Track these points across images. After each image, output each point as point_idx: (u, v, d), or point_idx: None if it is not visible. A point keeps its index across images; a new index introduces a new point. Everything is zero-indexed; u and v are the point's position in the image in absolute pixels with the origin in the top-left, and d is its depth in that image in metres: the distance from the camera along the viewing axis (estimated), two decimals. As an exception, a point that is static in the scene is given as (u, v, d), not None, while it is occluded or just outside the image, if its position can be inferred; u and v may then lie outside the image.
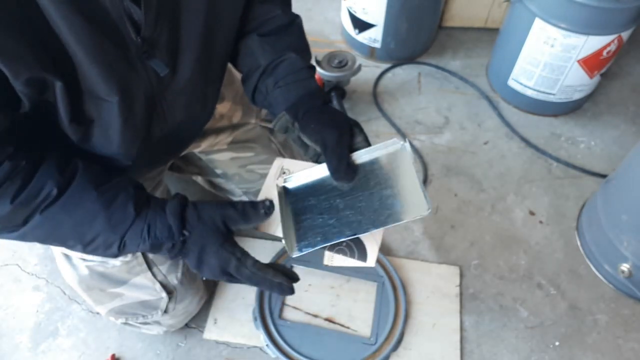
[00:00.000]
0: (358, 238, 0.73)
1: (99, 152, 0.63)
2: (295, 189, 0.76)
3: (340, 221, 0.73)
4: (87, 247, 0.62)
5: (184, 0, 0.56)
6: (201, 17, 0.59)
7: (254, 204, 0.65)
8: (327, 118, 0.70)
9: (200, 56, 0.63)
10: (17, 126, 0.54)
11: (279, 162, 0.76)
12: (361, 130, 0.72)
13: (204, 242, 0.62)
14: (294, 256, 0.69)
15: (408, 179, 0.75)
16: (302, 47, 0.76)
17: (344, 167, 0.69)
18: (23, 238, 0.60)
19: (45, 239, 0.63)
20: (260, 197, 0.70)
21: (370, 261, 0.73)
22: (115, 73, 0.53)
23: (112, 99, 0.55)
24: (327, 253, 0.74)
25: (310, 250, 0.70)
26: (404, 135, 1.35)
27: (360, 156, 0.76)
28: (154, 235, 0.61)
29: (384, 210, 0.75)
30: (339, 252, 0.74)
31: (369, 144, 0.77)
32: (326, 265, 0.76)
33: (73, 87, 0.52)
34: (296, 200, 0.75)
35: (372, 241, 0.75)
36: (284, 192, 0.75)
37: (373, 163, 0.77)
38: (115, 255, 0.63)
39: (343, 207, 0.74)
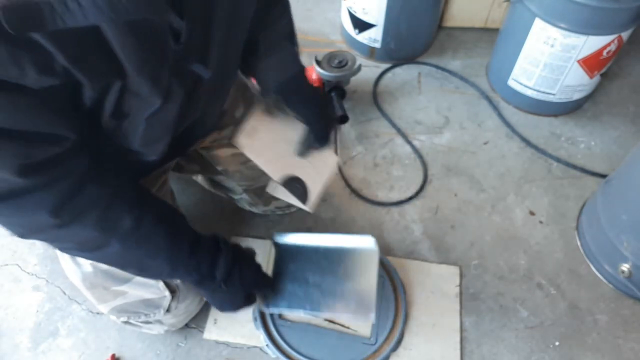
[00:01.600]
0: (305, 183, 0.89)
1: (129, 147, 0.67)
2: (284, 247, 0.95)
3: (305, 294, 0.91)
4: (142, 273, 0.76)
5: (216, 5, 0.59)
6: (225, 19, 0.62)
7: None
8: (308, 94, 0.87)
9: (223, 57, 0.67)
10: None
11: (265, 101, 0.88)
12: (331, 100, 0.92)
13: (233, 299, 0.81)
14: (264, 310, 0.93)
15: (369, 280, 0.90)
16: (292, 32, 0.85)
17: (322, 129, 0.87)
18: (97, 259, 0.73)
19: (113, 263, 0.74)
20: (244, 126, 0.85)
21: (309, 206, 0.89)
22: (159, 82, 0.57)
23: (155, 102, 0.59)
24: (271, 183, 0.91)
25: (276, 311, 0.92)
26: (404, 136, 1.35)
27: (337, 243, 0.94)
28: (199, 279, 0.75)
29: (340, 301, 0.90)
30: (286, 185, 0.88)
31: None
32: (271, 195, 0.96)
33: (123, 86, 0.55)
34: (280, 258, 0.94)
35: (315, 189, 0.90)
36: (277, 246, 0.95)
37: (347, 253, 0.93)
38: (161, 279, 0.81)
39: (311, 283, 0.91)
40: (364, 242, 0.93)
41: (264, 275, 0.87)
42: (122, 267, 0.75)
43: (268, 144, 0.88)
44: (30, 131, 0.51)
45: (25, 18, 0.39)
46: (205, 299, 0.96)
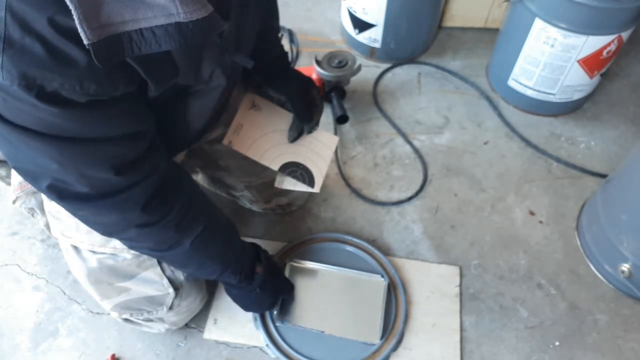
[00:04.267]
0: (307, 167, 0.94)
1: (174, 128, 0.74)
2: (299, 269, 1.06)
3: (313, 312, 1.01)
4: (199, 271, 0.83)
5: (249, 3, 0.68)
6: (252, 13, 0.70)
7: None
8: (290, 74, 0.94)
9: (247, 47, 0.74)
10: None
11: (251, 97, 0.94)
12: (314, 85, 0.95)
13: (262, 302, 0.96)
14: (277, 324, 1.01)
15: (376, 308, 1.02)
16: (277, 16, 0.91)
17: (305, 109, 0.93)
18: (158, 257, 0.82)
19: (177, 262, 0.82)
20: (235, 121, 0.92)
21: (317, 188, 0.94)
22: (205, 71, 0.63)
23: (203, 90, 0.68)
24: (277, 177, 0.94)
25: (287, 324, 1.00)
26: (404, 136, 1.35)
27: (353, 274, 1.06)
28: (239, 282, 0.87)
29: (344, 322, 1.00)
30: (290, 174, 0.93)
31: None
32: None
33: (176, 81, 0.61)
34: (292, 277, 1.05)
35: (318, 171, 0.95)
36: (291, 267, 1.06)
37: (359, 282, 1.04)
38: (210, 278, 0.87)
39: (319, 303, 1.02)
40: (375, 277, 1.05)
41: (291, 285, 1.02)
42: (184, 265, 0.83)
43: (256, 137, 0.92)
44: (123, 133, 0.58)
45: (109, 51, 0.44)
46: (208, 299, 1.02)
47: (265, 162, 0.92)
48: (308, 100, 0.93)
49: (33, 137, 0.52)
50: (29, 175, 0.59)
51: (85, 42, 0.42)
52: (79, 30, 0.41)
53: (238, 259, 0.85)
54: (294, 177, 0.93)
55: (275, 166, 0.92)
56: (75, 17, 0.41)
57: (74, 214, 0.66)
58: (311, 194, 1.20)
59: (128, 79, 0.53)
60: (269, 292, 0.93)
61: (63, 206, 0.64)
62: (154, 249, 0.74)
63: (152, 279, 0.86)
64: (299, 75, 0.95)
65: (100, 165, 0.58)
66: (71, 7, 0.40)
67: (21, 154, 0.56)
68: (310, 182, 0.94)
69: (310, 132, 0.96)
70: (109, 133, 0.56)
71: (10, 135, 0.53)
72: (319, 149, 0.96)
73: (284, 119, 0.95)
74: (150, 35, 0.45)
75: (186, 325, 1.02)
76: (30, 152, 0.55)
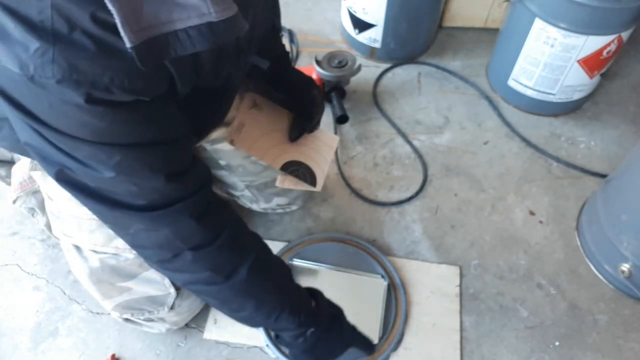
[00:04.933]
0: (308, 166, 0.95)
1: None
2: (300, 268, 1.06)
3: None
4: (258, 309, 0.73)
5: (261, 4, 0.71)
6: (263, 15, 0.73)
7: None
8: (290, 76, 0.95)
9: (256, 48, 0.75)
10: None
11: (252, 96, 0.94)
12: (315, 85, 0.96)
13: (332, 350, 0.83)
14: None
15: (375, 309, 1.01)
16: (279, 15, 0.91)
17: (308, 108, 0.94)
18: (215, 296, 0.73)
19: (236, 296, 0.73)
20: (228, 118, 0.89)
21: (318, 187, 0.94)
22: (222, 72, 0.65)
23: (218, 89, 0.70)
24: (279, 176, 0.95)
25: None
26: (404, 136, 1.35)
27: (353, 274, 1.05)
28: (300, 321, 0.76)
29: None
30: (291, 173, 0.93)
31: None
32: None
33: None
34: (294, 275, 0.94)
35: (320, 170, 0.95)
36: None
37: (358, 283, 1.02)
38: (266, 324, 0.84)
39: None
40: (373, 275, 1.04)
41: (361, 334, 0.86)
42: (241, 305, 0.74)
43: (258, 135, 0.92)
44: (168, 138, 0.58)
45: (150, 53, 0.45)
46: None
47: (267, 160, 0.92)
48: (309, 100, 0.94)
49: (82, 143, 0.52)
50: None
51: (128, 45, 0.43)
52: (122, 34, 0.42)
53: (295, 293, 0.78)
54: (296, 175, 0.94)
55: (277, 165, 0.93)
56: (117, 20, 0.42)
57: (126, 230, 0.64)
58: (311, 193, 1.20)
59: (166, 78, 0.54)
60: (336, 339, 0.81)
61: (113, 218, 0.63)
62: (211, 281, 0.68)
63: (153, 279, 0.86)
64: (300, 75, 0.96)
65: (150, 171, 0.58)
66: (113, 10, 0.41)
67: (69, 162, 0.55)
68: (312, 181, 0.94)
69: (311, 131, 0.97)
70: (154, 136, 0.56)
71: (59, 142, 0.53)
72: (320, 148, 0.97)
73: (284, 119, 0.96)
74: (185, 36, 0.46)
75: (186, 325, 1.02)
76: (80, 160, 0.54)
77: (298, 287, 0.79)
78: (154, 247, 0.65)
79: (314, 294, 0.82)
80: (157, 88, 0.53)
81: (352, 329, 0.84)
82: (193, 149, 0.65)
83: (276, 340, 0.91)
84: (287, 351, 0.97)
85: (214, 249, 0.66)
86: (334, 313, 0.82)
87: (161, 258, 0.66)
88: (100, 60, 0.46)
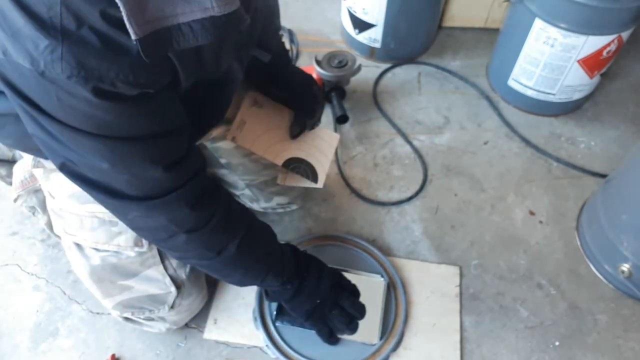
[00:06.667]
0: (310, 163, 0.96)
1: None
2: None
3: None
4: (245, 277, 0.82)
5: None
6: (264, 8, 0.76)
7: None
8: (291, 73, 0.96)
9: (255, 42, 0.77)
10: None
11: (253, 94, 0.95)
12: (315, 82, 0.97)
13: (318, 296, 0.90)
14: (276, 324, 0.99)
15: (375, 308, 1.01)
16: (278, 14, 0.92)
17: (308, 104, 0.95)
18: (206, 267, 0.79)
19: (225, 268, 0.80)
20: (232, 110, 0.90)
21: (320, 183, 0.95)
22: (223, 65, 0.66)
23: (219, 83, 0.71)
24: (280, 174, 0.96)
25: (287, 325, 0.99)
26: (404, 136, 1.35)
27: (353, 274, 1.04)
28: (283, 282, 0.85)
29: None
30: (293, 169, 0.94)
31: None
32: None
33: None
34: None
35: (321, 167, 0.96)
36: None
37: (358, 282, 0.97)
38: (254, 284, 0.86)
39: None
40: (374, 277, 1.05)
41: (344, 277, 0.96)
42: (229, 274, 0.82)
43: (259, 133, 0.93)
44: (168, 129, 0.60)
45: (155, 45, 0.46)
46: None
47: (269, 157, 0.93)
48: (310, 96, 0.95)
49: (85, 136, 0.54)
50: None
51: (133, 37, 0.44)
52: (127, 26, 0.43)
53: (279, 256, 0.85)
54: (298, 172, 0.94)
55: (279, 161, 0.93)
56: (123, 13, 0.43)
57: (124, 216, 0.68)
58: (311, 192, 1.20)
59: (169, 70, 0.55)
60: (317, 282, 0.89)
61: (112, 206, 0.66)
62: (203, 257, 0.74)
63: (154, 277, 0.86)
64: (300, 72, 0.97)
65: (150, 163, 0.60)
66: (120, 4, 0.42)
67: (72, 155, 0.57)
68: (314, 177, 0.95)
69: (312, 128, 0.97)
70: (156, 128, 0.58)
71: (63, 136, 0.54)
72: (321, 146, 0.97)
73: (285, 116, 0.96)
74: (188, 29, 0.47)
75: (186, 325, 1.02)
76: (81, 153, 0.56)
77: (282, 248, 0.87)
78: (151, 230, 0.70)
79: (296, 250, 0.91)
80: (160, 80, 0.54)
81: (334, 274, 0.93)
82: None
83: (266, 298, 0.96)
84: (287, 350, 0.97)
85: (207, 232, 0.70)
86: (315, 265, 0.91)
87: (157, 238, 0.71)
88: (106, 56, 0.47)
